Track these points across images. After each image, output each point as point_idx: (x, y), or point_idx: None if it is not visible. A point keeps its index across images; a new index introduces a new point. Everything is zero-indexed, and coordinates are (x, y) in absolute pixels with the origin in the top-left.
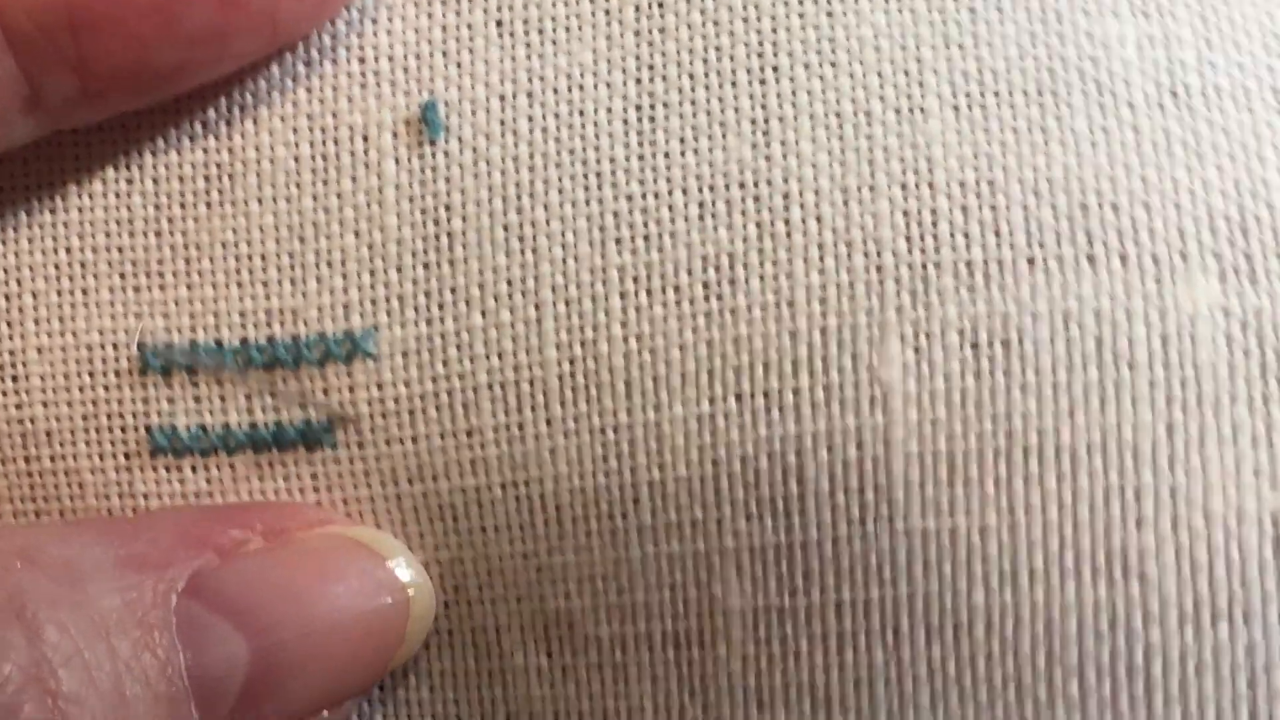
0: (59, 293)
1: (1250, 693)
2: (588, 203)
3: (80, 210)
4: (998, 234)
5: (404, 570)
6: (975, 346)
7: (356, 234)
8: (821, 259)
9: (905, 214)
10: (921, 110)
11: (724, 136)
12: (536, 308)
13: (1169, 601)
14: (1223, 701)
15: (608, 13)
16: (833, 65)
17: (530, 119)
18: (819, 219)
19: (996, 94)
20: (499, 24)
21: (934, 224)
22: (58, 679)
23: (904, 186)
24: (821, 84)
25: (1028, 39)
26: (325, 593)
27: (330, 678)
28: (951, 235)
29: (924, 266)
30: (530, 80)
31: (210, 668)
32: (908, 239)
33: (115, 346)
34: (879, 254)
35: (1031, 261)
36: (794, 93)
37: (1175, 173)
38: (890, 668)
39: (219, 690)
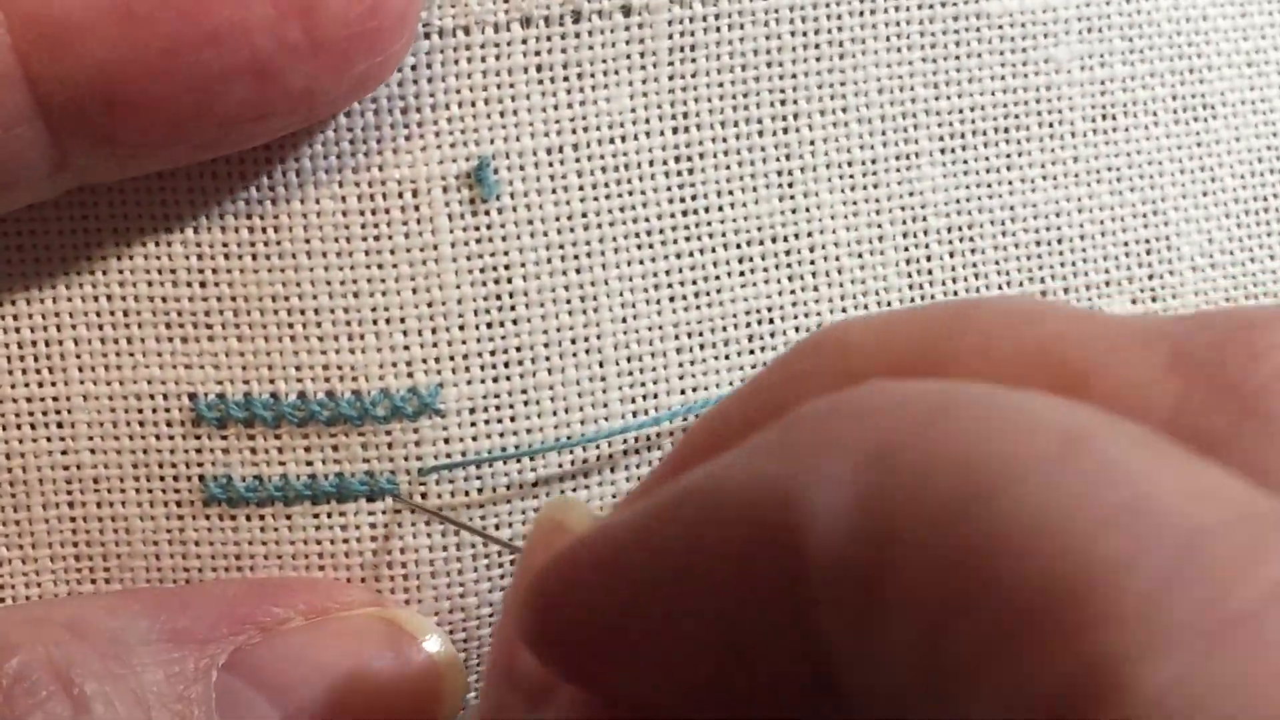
0: (102, 340)
1: None
2: (642, 261)
3: (118, 258)
4: (975, 275)
5: (436, 651)
6: None
7: (414, 290)
8: (844, 308)
9: (907, 261)
10: (915, 155)
11: (754, 188)
12: (601, 364)
13: None
14: None
15: (643, 55)
16: (844, 110)
17: (579, 174)
18: (840, 270)
19: (972, 134)
20: (539, 68)
21: (928, 267)
22: None
23: (905, 235)
24: (835, 130)
25: (998, 68)
26: (360, 673)
27: None
28: (942, 281)
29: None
30: (575, 130)
31: None
32: (910, 285)
33: (165, 396)
34: (889, 302)
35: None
36: (812, 141)
37: (1102, 198)
38: None
39: None
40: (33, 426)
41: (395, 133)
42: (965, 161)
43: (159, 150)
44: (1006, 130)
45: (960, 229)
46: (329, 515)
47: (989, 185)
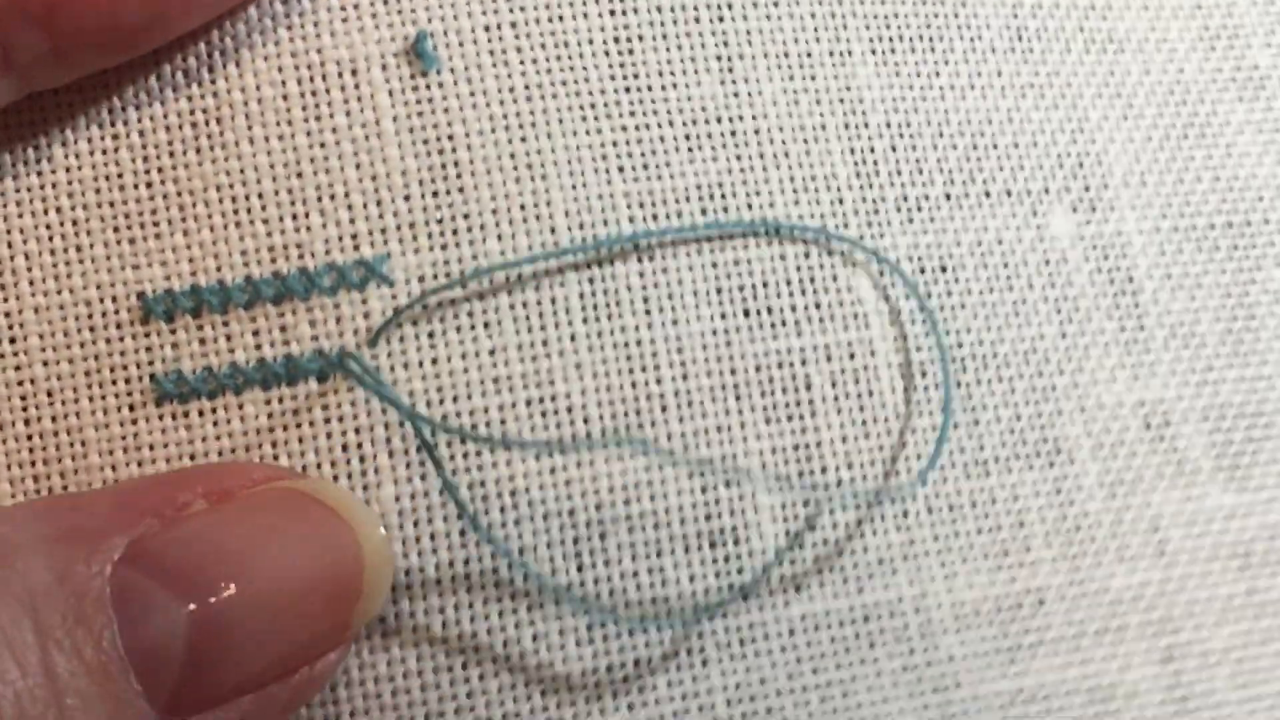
0: (52, 252)
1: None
2: (588, 133)
3: (68, 170)
4: (921, 173)
5: (357, 521)
6: (923, 272)
7: (357, 166)
8: (795, 194)
9: (852, 153)
10: (849, 54)
11: (695, 72)
12: (553, 230)
13: (1088, 473)
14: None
15: None
16: (774, 5)
17: (519, 50)
18: (787, 155)
19: (900, 39)
20: None
21: (875, 164)
22: None
23: (846, 128)
24: (769, 24)
25: None
26: (269, 549)
27: (283, 639)
28: (889, 174)
29: (873, 202)
30: (512, 10)
31: (148, 636)
32: (857, 176)
33: (114, 299)
34: (838, 190)
35: (948, 197)
36: (748, 32)
37: (1028, 114)
38: (904, 545)
39: (159, 659)
40: None
41: (332, 16)
42: (896, 65)
43: (97, 35)
44: (929, 40)
45: (899, 126)
46: (279, 401)
47: (920, 90)
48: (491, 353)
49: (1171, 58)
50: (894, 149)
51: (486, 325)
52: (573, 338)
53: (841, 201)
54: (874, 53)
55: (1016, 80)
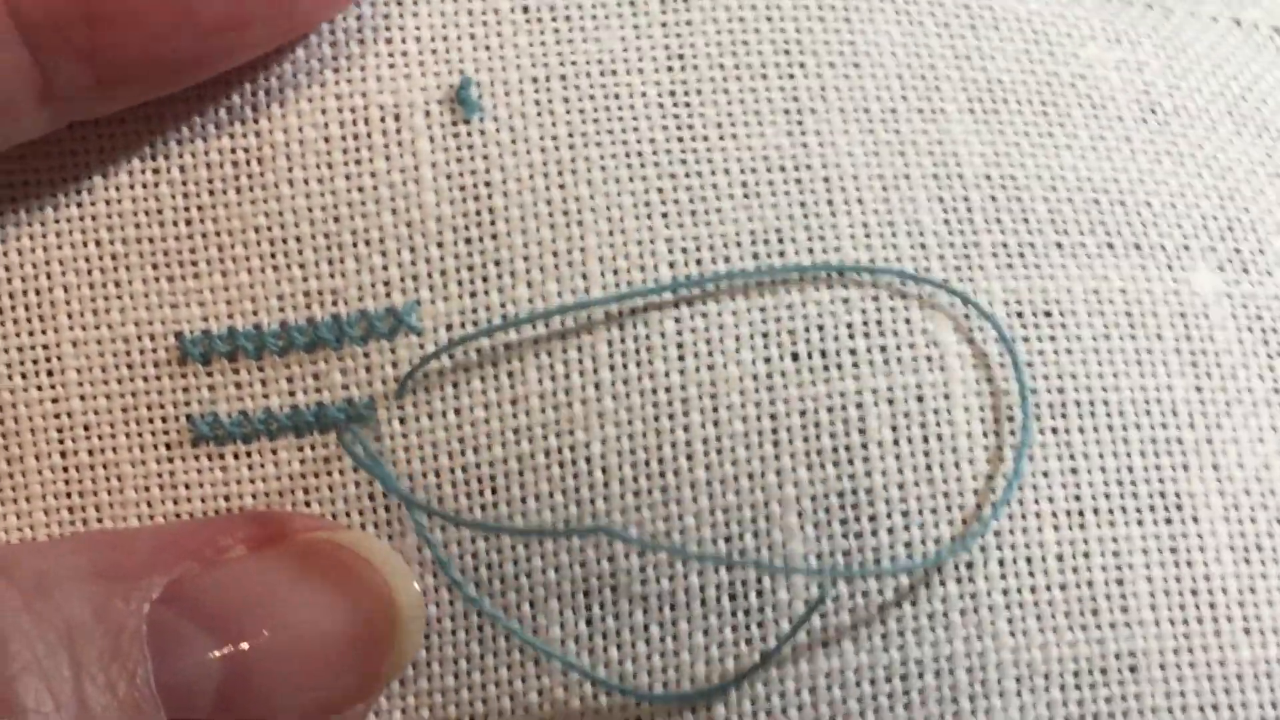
0: (91, 286)
1: None
2: (631, 180)
3: (108, 203)
4: (1026, 222)
5: (392, 575)
6: (1020, 315)
7: (394, 212)
8: (868, 238)
9: (941, 201)
10: (942, 112)
11: (760, 125)
12: (585, 278)
13: (1217, 534)
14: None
15: (633, 4)
16: (856, 66)
17: (566, 100)
18: (860, 202)
19: (1005, 102)
20: (525, 9)
21: (969, 211)
22: (12, 689)
23: (936, 177)
24: (848, 82)
25: (1025, 57)
26: (305, 598)
27: (313, 687)
28: (986, 222)
29: (964, 247)
30: (562, 64)
31: (181, 675)
32: (946, 223)
33: (152, 337)
34: (921, 234)
35: (1060, 246)
36: (823, 89)
37: (1165, 178)
38: (964, 599)
39: (191, 699)
40: (24, 377)
41: (379, 62)
42: (999, 125)
43: (141, 70)
44: (1040, 104)
45: (1000, 179)
46: (313, 448)
47: (1029, 148)
48: (514, 402)
49: None
50: (994, 199)
51: (510, 375)
52: (597, 385)
53: (924, 246)
54: (971, 112)
55: (1150, 147)
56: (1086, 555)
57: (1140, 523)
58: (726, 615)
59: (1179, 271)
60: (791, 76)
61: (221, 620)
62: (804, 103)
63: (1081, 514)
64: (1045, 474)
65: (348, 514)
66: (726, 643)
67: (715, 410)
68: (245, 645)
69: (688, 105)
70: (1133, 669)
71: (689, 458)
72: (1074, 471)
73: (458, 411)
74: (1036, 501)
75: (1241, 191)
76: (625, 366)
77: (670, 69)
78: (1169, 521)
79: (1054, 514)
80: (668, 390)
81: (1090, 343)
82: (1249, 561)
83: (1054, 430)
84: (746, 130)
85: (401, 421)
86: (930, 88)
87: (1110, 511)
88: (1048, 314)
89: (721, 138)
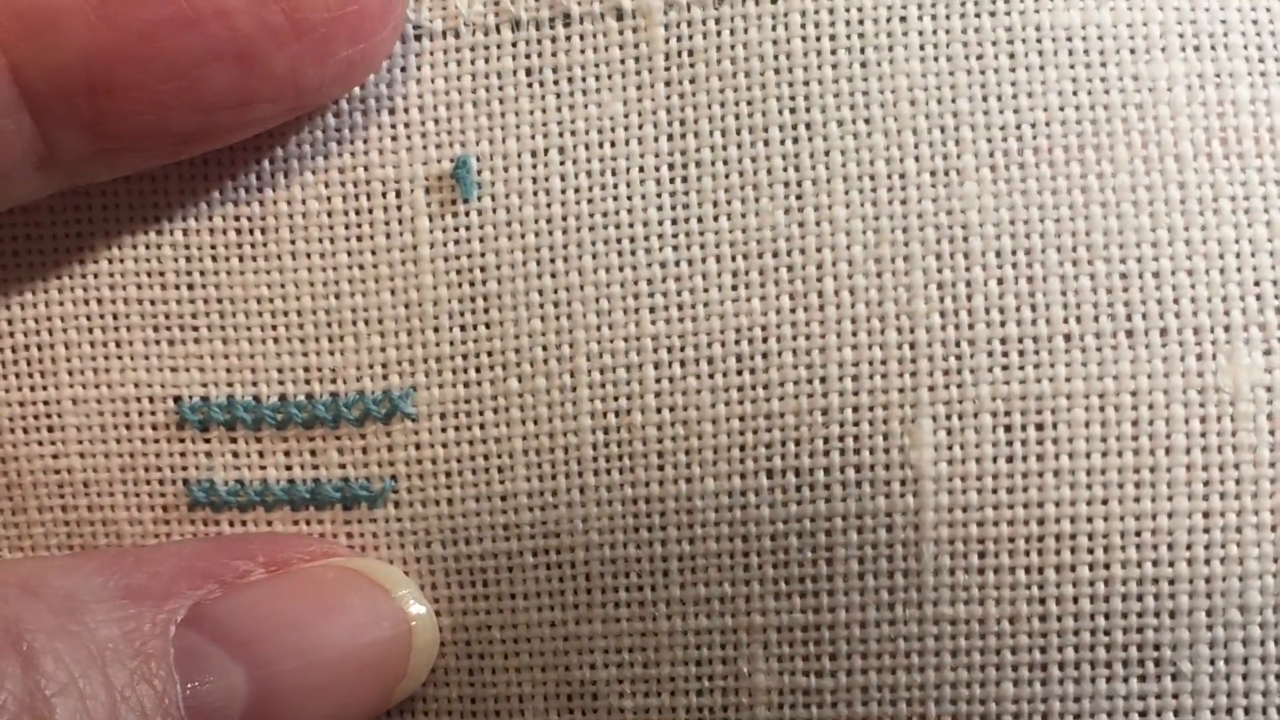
0: (92, 344)
1: None
2: (621, 269)
3: (110, 261)
4: (1034, 308)
5: (407, 602)
6: (1009, 429)
7: (393, 291)
8: (855, 334)
9: (939, 286)
10: (957, 171)
11: (757, 200)
12: (572, 375)
13: (1203, 695)
14: None
15: (637, 60)
16: (866, 121)
17: (563, 177)
18: (852, 291)
19: (1035, 150)
20: (528, 71)
21: (969, 297)
22: (51, 708)
23: (938, 256)
24: (855, 142)
25: (1070, 84)
26: (325, 623)
27: (331, 708)
28: (987, 310)
29: (958, 344)
30: (562, 134)
31: (208, 698)
32: (941, 314)
33: (151, 399)
34: (912, 330)
35: (1068, 337)
36: (827, 152)
37: (1221, 231)
38: None
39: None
40: (25, 430)
41: (382, 133)
42: (1021, 181)
43: (144, 141)
44: (1079, 147)
45: (1014, 250)
46: (307, 524)
47: (1053, 209)
48: (503, 499)
49: None
50: (1000, 279)
51: (500, 470)
52: (582, 490)
53: (914, 345)
54: (992, 169)
55: (1206, 190)
56: (1046, 715)
57: (1125, 679)
58: None
59: (1208, 361)
60: (795, 140)
61: (246, 645)
62: (805, 171)
63: (1045, 668)
64: (1012, 620)
65: None
66: None
67: (690, 527)
68: (269, 669)
69: (685, 179)
70: None
71: (664, 574)
72: (1043, 619)
73: (450, 502)
74: (999, 652)
75: None
76: (609, 472)
77: (671, 136)
78: (1143, 679)
79: (1014, 665)
80: (647, 502)
81: (1084, 461)
82: (1232, 713)
83: (1027, 570)
84: (743, 207)
85: (395, 506)
86: (948, 139)
87: (1076, 666)
88: (1039, 426)
89: (717, 217)
